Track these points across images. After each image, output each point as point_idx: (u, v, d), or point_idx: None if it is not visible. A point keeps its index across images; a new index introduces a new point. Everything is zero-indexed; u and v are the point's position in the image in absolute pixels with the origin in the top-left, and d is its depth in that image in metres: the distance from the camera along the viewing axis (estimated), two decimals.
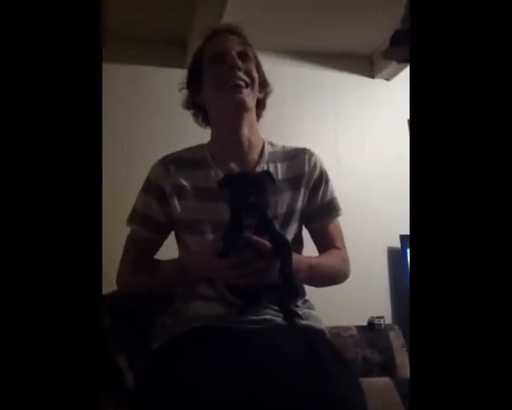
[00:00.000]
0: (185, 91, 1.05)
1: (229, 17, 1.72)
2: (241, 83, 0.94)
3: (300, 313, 0.89)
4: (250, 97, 0.96)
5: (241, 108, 0.95)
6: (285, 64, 2.36)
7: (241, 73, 0.94)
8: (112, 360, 0.88)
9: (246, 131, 0.97)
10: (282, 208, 0.92)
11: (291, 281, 0.78)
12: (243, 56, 0.97)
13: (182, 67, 1.97)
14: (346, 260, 0.99)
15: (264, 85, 1.02)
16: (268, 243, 0.77)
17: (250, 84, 0.95)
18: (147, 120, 2.11)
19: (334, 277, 0.97)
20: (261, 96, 1.01)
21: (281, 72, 2.15)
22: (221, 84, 0.94)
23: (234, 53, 0.95)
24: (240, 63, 0.95)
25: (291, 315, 0.83)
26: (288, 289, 0.79)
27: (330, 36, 2.28)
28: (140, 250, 0.96)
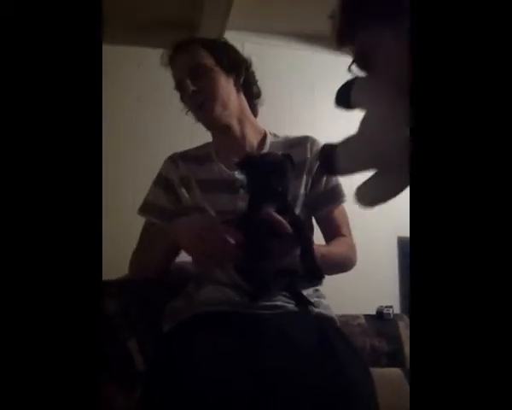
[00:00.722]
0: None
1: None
2: (201, 105, 0.98)
3: (312, 300, 0.89)
4: (219, 109, 0.98)
5: (216, 123, 1.00)
6: (296, 48, 2.32)
7: (196, 97, 0.98)
8: (122, 344, 0.89)
9: (237, 130, 1.02)
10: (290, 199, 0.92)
11: (314, 266, 0.76)
12: (196, 73, 0.98)
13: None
14: (352, 247, 0.99)
15: (238, 72, 1.03)
16: (288, 226, 0.76)
17: (212, 98, 0.98)
18: (152, 104, 2.09)
19: (342, 265, 0.97)
20: (240, 80, 1.03)
21: (292, 56, 2.11)
22: (190, 108, 1.03)
23: (185, 79, 0.98)
24: (191, 88, 0.98)
25: (303, 302, 0.82)
26: (311, 275, 0.77)
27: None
28: (146, 235, 1.01)
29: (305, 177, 0.97)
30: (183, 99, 1.05)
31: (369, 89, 0.57)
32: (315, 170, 0.98)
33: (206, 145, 1.09)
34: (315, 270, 0.76)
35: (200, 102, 0.99)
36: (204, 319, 0.83)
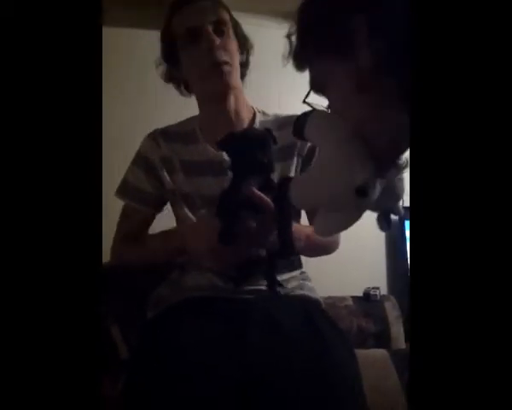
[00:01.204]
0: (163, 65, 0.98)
1: None
2: (222, 64, 0.87)
3: (296, 283, 0.89)
4: (233, 75, 0.90)
5: (225, 90, 0.90)
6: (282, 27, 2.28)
7: (219, 52, 0.87)
8: (105, 332, 0.87)
9: (232, 104, 0.93)
10: (274, 178, 0.89)
11: (288, 241, 0.74)
12: (219, 28, 0.88)
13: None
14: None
15: (244, 45, 0.95)
16: (271, 203, 0.73)
17: (230, 61, 0.89)
18: (148, 84, 2.03)
19: (326, 247, 0.96)
20: (243, 57, 0.95)
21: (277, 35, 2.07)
22: (200, 67, 0.88)
23: (210, 28, 0.87)
24: (217, 41, 0.87)
25: (274, 283, 0.81)
26: (285, 251, 0.75)
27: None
28: (131, 223, 0.96)
29: (295, 159, 0.93)
30: (186, 53, 0.90)
31: (321, 125, 0.56)
32: (305, 152, 0.95)
33: (190, 121, 0.99)
34: (288, 245, 0.74)
35: (221, 62, 0.87)
36: (189, 305, 0.82)
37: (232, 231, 0.72)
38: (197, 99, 0.98)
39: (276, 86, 2.26)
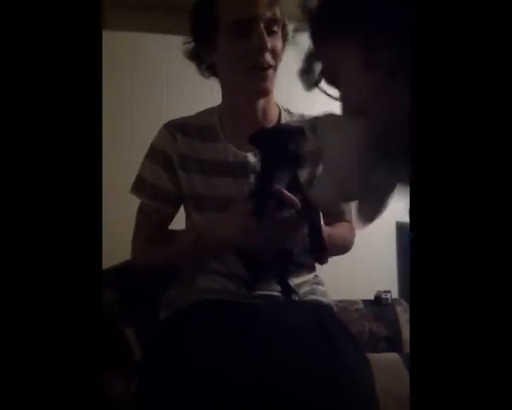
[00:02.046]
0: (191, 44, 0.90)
1: None
2: (267, 68, 0.82)
3: (308, 288, 0.89)
4: (272, 80, 0.84)
5: (264, 94, 0.86)
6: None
7: (268, 55, 0.81)
8: (119, 333, 0.88)
9: (262, 103, 0.89)
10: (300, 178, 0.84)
11: (322, 243, 0.75)
12: (271, 26, 0.81)
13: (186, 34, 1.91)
14: (352, 231, 0.97)
15: (285, 37, 0.87)
16: (299, 203, 0.72)
17: (274, 65, 0.83)
18: (149, 88, 2.05)
19: (343, 247, 0.96)
20: (282, 50, 0.87)
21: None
22: (244, 64, 0.81)
23: (262, 25, 0.79)
24: (268, 43, 0.80)
25: (289, 290, 0.82)
26: (318, 252, 0.76)
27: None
28: (152, 223, 0.91)
29: (320, 168, 0.87)
30: (229, 44, 0.81)
31: (334, 129, 0.57)
32: None
33: (209, 113, 0.93)
34: (321, 247, 0.75)
35: (268, 66, 0.81)
36: (201, 308, 0.82)
37: (266, 206, 0.73)
38: (223, 88, 0.91)
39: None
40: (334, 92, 0.57)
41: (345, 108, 0.56)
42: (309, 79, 0.58)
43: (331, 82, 0.56)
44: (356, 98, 0.54)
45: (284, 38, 0.87)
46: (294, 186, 0.75)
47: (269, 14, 0.81)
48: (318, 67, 0.57)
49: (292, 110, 0.96)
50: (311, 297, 0.88)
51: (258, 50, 0.80)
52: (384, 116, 0.51)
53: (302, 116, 0.95)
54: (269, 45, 0.81)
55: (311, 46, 0.57)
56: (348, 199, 0.56)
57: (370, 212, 0.58)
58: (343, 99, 0.56)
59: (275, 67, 0.85)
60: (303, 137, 0.76)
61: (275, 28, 0.83)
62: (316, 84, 0.58)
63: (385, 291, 1.71)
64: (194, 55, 0.90)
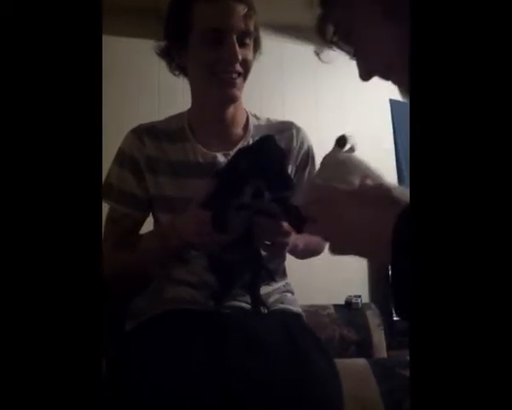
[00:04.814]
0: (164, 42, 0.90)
1: None
2: (236, 77, 0.84)
3: (277, 296, 0.89)
4: (241, 88, 0.86)
5: (232, 101, 0.87)
6: (268, 38, 2.30)
7: (237, 66, 0.83)
8: None
9: (230, 108, 0.90)
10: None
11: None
12: (244, 39, 0.83)
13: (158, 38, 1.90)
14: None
15: (257, 48, 0.90)
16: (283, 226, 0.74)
17: (243, 74, 0.85)
18: (123, 90, 2.02)
19: (318, 250, 0.96)
20: (252, 60, 0.89)
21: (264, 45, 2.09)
22: (213, 72, 0.83)
23: (235, 37, 0.81)
24: (239, 54, 0.81)
25: (258, 303, 0.82)
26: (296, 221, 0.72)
27: (314, 12, 2.22)
28: (121, 229, 0.91)
29: (290, 166, 0.90)
30: (200, 49, 0.83)
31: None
32: (299, 160, 0.93)
33: (178, 117, 0.94)
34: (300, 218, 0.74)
35: (237, 75, 0.83)
36: (168, 318, 0.81)
37: (225, 221, 0.72)
38: (192, 91, 0.93)
39: (280, 93, 2.29)
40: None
41: (363, 66, 0.56)
42: (324, 39, 0.57)
43: (346, 42, 0.56)
44: (376, 53, 0.53)
45: (256, 50, 0.89)
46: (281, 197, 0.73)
47: (242, 26, 0.82)
48: (330, 29, 0.57)
49: (258, 115, 0.98)
50: (280, 306, 0.88)
51: (229, 61, 0.82)
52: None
53: (269, 120, 0.97)
54: (239, 57, 0.82)
55: (322, 11, 0.57)
56: None
57: None
58: (360, 56, 0.56)
59: (244, 76, 0.86)
60: (285, 159, 0.76)
61: (247, 41, 0.84)
62: (331, 42, 0.58)
63: (355, 296, 1.74)
64: (165, 54, 0.91)
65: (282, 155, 0.74)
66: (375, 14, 0.51)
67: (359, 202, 0.51)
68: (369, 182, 0.57)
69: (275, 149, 0.73)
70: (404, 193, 0.56)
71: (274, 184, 0.71)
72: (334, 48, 0.58)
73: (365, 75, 0.57)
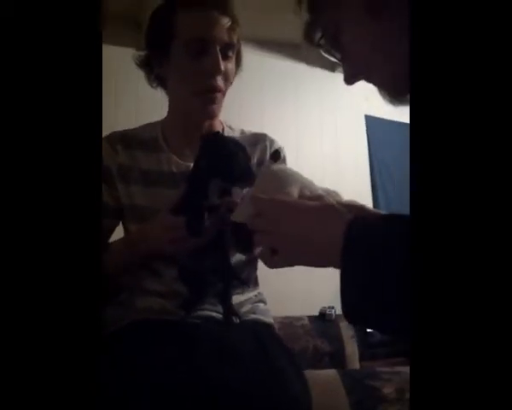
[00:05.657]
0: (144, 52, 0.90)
1: None
2: (217, 91, 0.84)
3: (249, 306, 0.89)
4: (220, 103, 0.87)
5: (211, 117, 0.88)
6: (248, 52, 2.33)
7: (219, 79, 0.83)
8: None
9: (208, 121, 0.91)
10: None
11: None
12: (227, 51, 0.84)
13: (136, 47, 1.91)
14: None
15: (238, 63, 0.92)
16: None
17: (223, 89, 0.86)
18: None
19: None
20: (234, 74, 0.90)
21: (244, 59, 2.12)
22: (194, 84, 0.83)
23: (218, 48, 0.82)
24: (222, 66, 0.82)
25: (230, 313, 0.82)
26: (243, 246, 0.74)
27: (293, 26, 2.27)
28: None
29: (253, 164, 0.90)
30: (182, 61, 0.82)
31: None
32: None
33: (152, 126, 0.94)
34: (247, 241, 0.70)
35: (218, 89, 0.84)
36: (138, 328, 0.80)
37: (200, 223, 0.72)
38: (171, 102, 0.93)
39: (259, 106, 2.31)
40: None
41: (348, 69, 0.58)
42: (312, 43, 0.59)
43: (333, 46, 0.58)
44: (359, 53, 0.55)
45: (237, 64, 0.90)
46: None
47: (226, 38, 0.83)
48: (318, 34, 0.59)
49: (233, 126, 0.99)
50: (251, 316, 0.88)
51: (211, 73, 0.82)
52: (391, 66, 0.52)
53: (243, 132, 0.98)
54: (222, 68, 0.83)
55: (310, 16, 0.59)
56: None
57: None
58: (345, 59, 0.58)
59: (224, 92, 0.87)
60: (249, 158, 0.77)
61: (230, 53, 0.85)
62: (319, 46, 0.59)
63: (329, 307, 1.76)
64: (145, 64, 0.91)
65: (237, 148, 0.74)
66: (360, 15, 0.53)
67: (303, 212, 0.52)
68: (306, 191, 0.58)
69: (229, 143, 0.74)
70: (346, 203, 0.58)
71: (235, 179, 0.71)
72: (322, 52, 0.60)
73: (350, 78, 0.59)
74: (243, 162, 0.72)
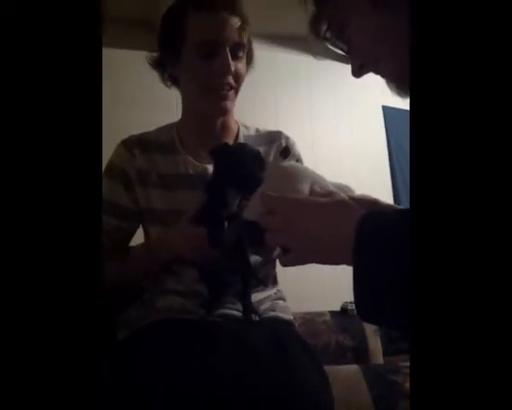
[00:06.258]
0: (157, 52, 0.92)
1: None
2: (229, 89, 0.85)
3: (269, 304, 0.89)
4: (233, 100, 0.88)
5: (223, 113, 0.89)
6: (260, 48, 2.33)
7: (230, 78, 0.84)
8: None
9: (221, 119, 0.91)
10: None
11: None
12: (237, 51, 0.85)
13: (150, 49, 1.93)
14: None
15: (250, 61, 0.93)
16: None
17: (236, 87, 0.87)
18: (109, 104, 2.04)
19: None
20: (245, 73, 0.91)
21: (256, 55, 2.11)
22: (205, 84, 0.84)
23: (228, 49, 0.83)
24: (232, 66, 0.83)
25: (250, 311, 0.82)
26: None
27: (306, 21, 2.25)
28: (110, 241, 0.90)
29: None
30: (193, 61, 0.84)
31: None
32: None
33: (168, 128, 0.95)
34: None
35: (229, 87, 0.85)
36: (158, 328, 0.81)
37: (220, 232, 0.73)
38: (184, 102, 0.94)
39: (273, 102, 2.31)
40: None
41: (354, 62, 0.58)
42: (318, 36, 0.60)
43: (338, 38, 0.58)
44: (364, 46, 0.55)
45: (248, 62, 0.91)
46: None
47: (236, 39, 0.84)
48: (324, 27, 0.59)
49: (248, 125, 0.99)
50: (270, 314, 0.88)
51: (222, 73, 0.84)
52: (398, 58, 0.51)
53: (258, 131, 0.98)
54: (232, 69, 0.84)
55: (315, 9, 0.59)
56: None
57: None
58: (352, 52, 0.58)
59: (236, 89, 0.88)
60: (262, 161, 0.77)
61: (240, 53, 0.86)
62: (325, 38, 0.60)
63: (351, 302, 1.74)
64: (158, 64, 0.92)
65: (247, 155, 0.74)
66: (365, 7, 0.53)
67: (314, 210, 0.52)
68: (317, 188, 0.57)
69: (237, 152, 0.75)
70: (358, 198, 0.57)
71: (247, 187, 0.70)
72: (329, 44, 0.60)
73: (357, 71, 0.59)
74: (253, 169, 0.72)
